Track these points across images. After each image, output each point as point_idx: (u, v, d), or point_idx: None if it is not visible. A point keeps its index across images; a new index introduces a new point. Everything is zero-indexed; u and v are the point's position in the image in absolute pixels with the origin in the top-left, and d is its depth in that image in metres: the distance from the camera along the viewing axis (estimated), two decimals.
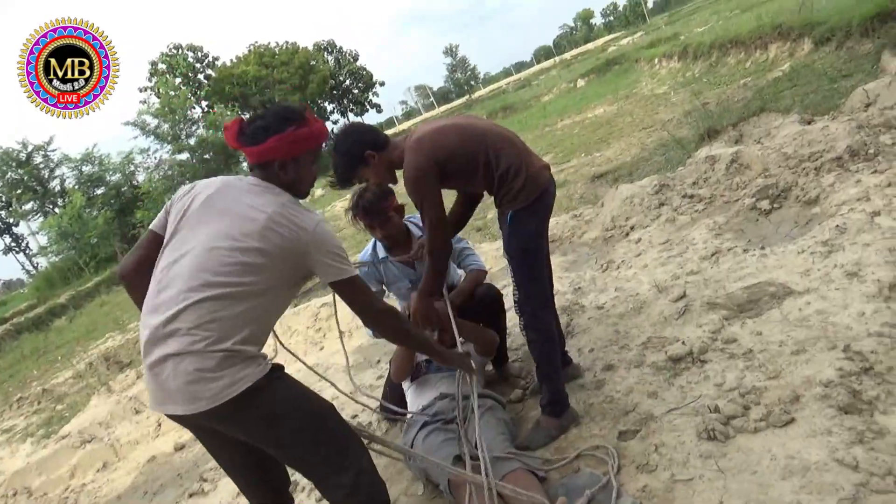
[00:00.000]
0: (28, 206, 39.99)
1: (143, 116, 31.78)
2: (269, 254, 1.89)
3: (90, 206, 33.11)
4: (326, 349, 5.55)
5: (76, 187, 34.71)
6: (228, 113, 36.41)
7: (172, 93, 34.04)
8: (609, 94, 17.46)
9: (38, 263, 42.58)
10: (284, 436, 1.92)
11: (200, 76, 50.41)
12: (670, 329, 3.17)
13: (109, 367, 9.24)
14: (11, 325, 20.64)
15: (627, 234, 5.07)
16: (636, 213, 5.27)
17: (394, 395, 3.37)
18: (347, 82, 59.19)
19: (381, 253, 3.28)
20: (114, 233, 31.57)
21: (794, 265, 3.33)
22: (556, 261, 5.16)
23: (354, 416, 3.71)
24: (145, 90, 47.11)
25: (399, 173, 2.69)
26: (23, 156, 38.97)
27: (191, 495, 3.75)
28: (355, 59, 59.36)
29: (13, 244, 49.10)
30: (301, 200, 2.12)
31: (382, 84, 61.60)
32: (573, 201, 7.64)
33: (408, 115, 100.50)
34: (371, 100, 60.89)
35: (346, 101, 59.36)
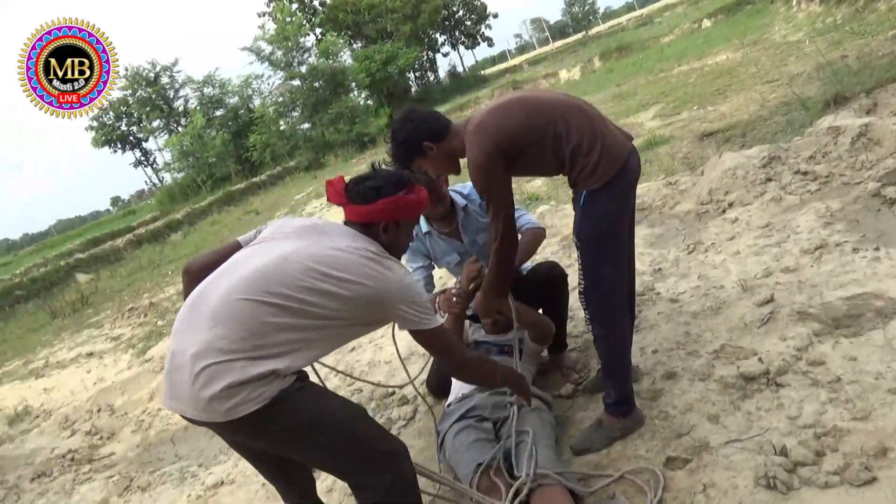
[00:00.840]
0: (155, 124, 42.81)
1: (259, 42, 32.54)
2: (347, 288, 1.84)
3: (209, 126, 34.73)
4: None
5: (198, 108, 36.47)
6: (340, 42, 36.63)
7: (288, 19, 34.52)
8: (735, 39, 15.93)
9: (163, 178, 45.79)
10: (312, 445, 1.84)
11: (315, 2, 50.77)
12: (749, 338, 2.80)
13: None
14: (134, 235, 22.38)
15: (724, 212, 4.58)
16: (738, 188, 4.74)
17: (440, 373, 3.24)
18: (460, 13, 57.79)
19: (425, 227, 3.09)
20: (230, 154, 33.07)
21: None
22: (640, 233, 4.77)
23: (393, 393, 3.63)
24: (263, 15, 48.12)
25: (463, 162, 2.50)
26: (151, 75, 41.37)
27: None
28: None
29: (142, 158, 52.94)
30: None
31: (496, 16, 59.71)
32: (675, 161, 7.05)
33: (521, 49, 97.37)
34: (483, 32, 59.33)
35: (457, 33, 58.18)
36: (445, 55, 58.01)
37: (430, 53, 55.65)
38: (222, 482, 3.32)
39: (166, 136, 39.83)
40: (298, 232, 2.00)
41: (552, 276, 3.06)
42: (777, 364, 2.52)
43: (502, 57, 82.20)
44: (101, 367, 7.32)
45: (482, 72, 55.97)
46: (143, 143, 50.69)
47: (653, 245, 4.53)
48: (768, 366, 2.53)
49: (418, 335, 2.04)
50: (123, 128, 48.44)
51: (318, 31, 46.24)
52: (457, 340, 2.27)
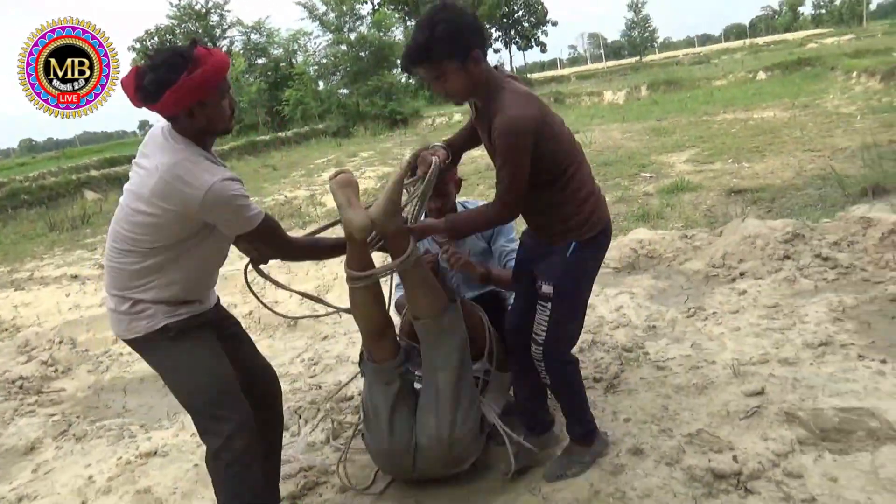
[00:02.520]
0: None
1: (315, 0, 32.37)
2: (157, 214, 1.91)
3: (249, 72, 34.54)
4: None
5: (241, 52, 36.29)
6: (396, 16, 36.34)
7: None
8: (787, 98, 15.58)
9: None
10: (168, 384, 2.23)
11: None
12: (728, 429, 2.61)
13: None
14: None
15: (734, 280, 4.38)
16: (753, 258, 4.54)
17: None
18: (520, 13, 57.38)
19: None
20: (262, 104, 32.91)
21: None
22: (643, 283, 4.59)
23: (351, 398, 3.47)
24: None
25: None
26: (202, 10, 41.30)
27: None
28: None
29: None
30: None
31: (555, 24, 59.27)
32: (697, 213, 6.86)
33: (573, 61, 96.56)
34: (539, 37, 58.92)
35: (513, 33, 57.78)
36: (496, 52, 57.43)
37: None
38: (156, 452, 3.17)
39: None
40: (135, 167, 2.05)
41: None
42: (752, 466, 2.34)
43: (552, 64, 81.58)
44: (81, 293, 7.16)
45: (528, 75, 55.55)
46: None
47: (653, 299, 4.35)
48: (742, 466, 2.35)
49: (247, 237, 2.03)
50: None
51: (376, 1, 45.97)
52: (281, 229, 2.18)
